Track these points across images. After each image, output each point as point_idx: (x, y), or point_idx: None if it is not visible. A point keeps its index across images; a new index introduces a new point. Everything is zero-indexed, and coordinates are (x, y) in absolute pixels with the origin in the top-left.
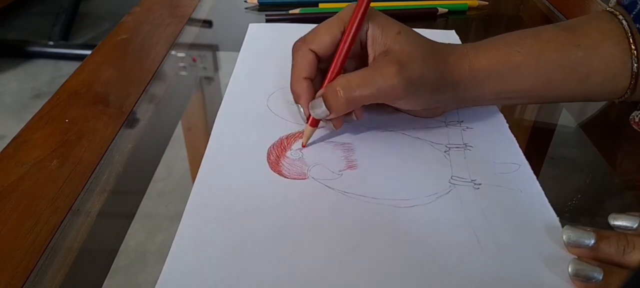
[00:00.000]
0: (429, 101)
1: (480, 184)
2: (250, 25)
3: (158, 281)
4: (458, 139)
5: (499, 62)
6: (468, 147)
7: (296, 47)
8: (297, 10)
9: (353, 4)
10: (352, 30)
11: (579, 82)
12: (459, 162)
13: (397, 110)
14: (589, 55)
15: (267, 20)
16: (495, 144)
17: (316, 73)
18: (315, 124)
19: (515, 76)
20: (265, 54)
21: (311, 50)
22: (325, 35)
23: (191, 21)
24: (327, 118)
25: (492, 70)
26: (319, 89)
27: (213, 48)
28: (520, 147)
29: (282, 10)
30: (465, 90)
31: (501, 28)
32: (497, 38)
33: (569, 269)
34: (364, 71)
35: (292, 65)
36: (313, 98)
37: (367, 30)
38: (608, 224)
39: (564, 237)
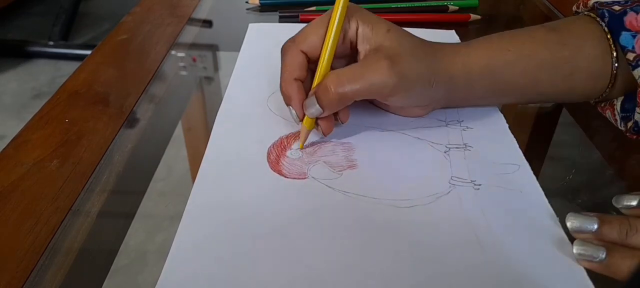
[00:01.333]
0: (420, 97)
1: (480, 184)
2: (250, 25)
3: (158, 281)
4: (458, 139)
5: (491, 59)
6: (468, 148)
7: (285, 48)
8: (313, 8)
9: (341, 3)
10: (335, 23)
11: (563, 80)
12: (459, 162)
13: (386, 110)
14: (574, 54)
15: (280, 19)
16: (495, 144)
17: (307, 74)
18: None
19: (506, 73)
20: (265, 54)
21: (301, 51)
22: (314, 35)
23: (191, 21)
24: (320, 116)
25: (485, 67)
26: (310, 90)
27: (213, 48)
28: (520, 147)
29: (282, 10)
30: (458, 87)
31: (501, 28)
32: (488, 37)
33: (574, 250)
34: (354, 66)
35: (282, 66)
36: (304, 99)
37: (357, 29)
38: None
39: (568, 224)
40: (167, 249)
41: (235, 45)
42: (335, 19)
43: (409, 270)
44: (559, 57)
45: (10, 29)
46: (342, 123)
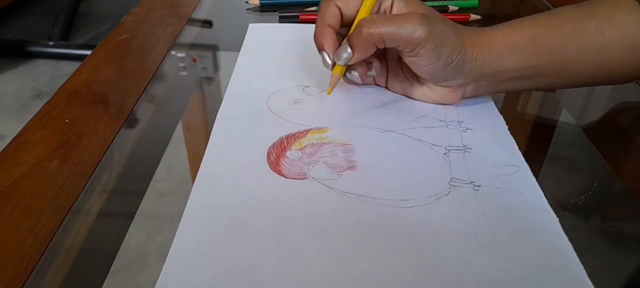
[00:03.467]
0: (449, 62)
1: (479, 185)
2: (250, 25)
3: (157, 282)
4: (457, 140)
5: (514, 36)
6: (467, 149)
7: (323, 3)
8: (313, 8)
9: None
10: None
11: (594, 55)
12: (458, 163)
13: (420, 86)
14: (601, 24)
15: (280, 19)
16: (495, 146)
17: (339, 27)
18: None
19: (531, 49)
20: (265, 54)
21: (337, 5)
22: None
23: (191, 21)
24: (351, 62)
25: (510, 45)
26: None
27: (213, 48)
28: (519, 147)
29: (282, 10)
30: (483, 65)
31: None
32: (510, 22)
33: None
34: (387, 15)
35: (318, 17)
36: (337, 47)
37: (392, 3)
38: (608, 223)
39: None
40: (167, 249)
41: (235, 46)
42: None
43: (408, 270)
44: (586, 28)
45: (10, 29)
46: (361, 81)
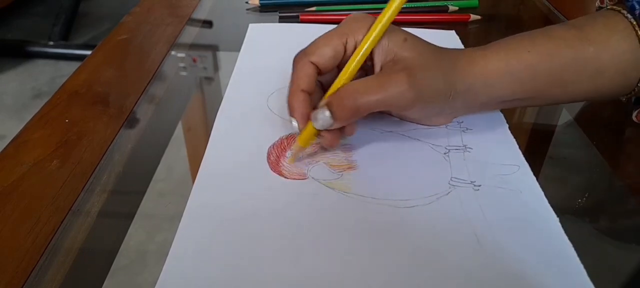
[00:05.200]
0: (439, 109)
1: (480, 185)
2: (250, 25)
3: (158, 280)
4: (457, 140)
5: (510, 62)
6: (467, 149)
7: (296, 59)
8: (313, 8)
9: (355, 15)
10: (371, 38)
11: (590, 79)
12: (459, 163)
13: (403, 119)
14: (599, 50)
15: (280, 19)
16: (495, 145)
17: (315, 87)
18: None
19: (527, 76)
20: (265, 55)
21: (311, 63)
22: (326, 47)
23: (191, 21)
24: (330, 128)
25: (505, 72)
26: (316, 104)
27: (213, 48)
28: (520, 147)
29: (282, 10)
30: (477, 95)
31: (501, 28)
32: (505, 40)
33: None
34: (370, 78)
35: (291, 77)
36: (309, 112)
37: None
38: (608, 223)
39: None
40: (167, 249)
41: (235, 46)
42: (371, 35)
43: (409, 270)
44: (583, 55)
45: (10, 29)
46: (348, 136)
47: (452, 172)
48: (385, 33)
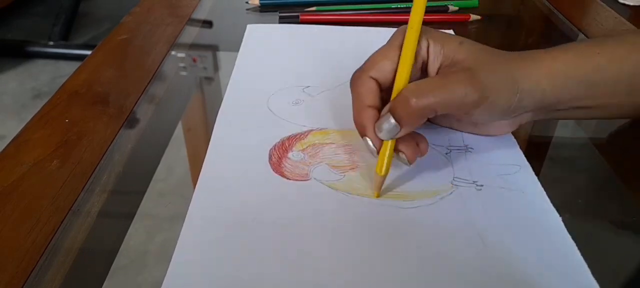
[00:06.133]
0: (506, 109)
1: (482, 185)
2: (248, 26)
3: (163, 284)
4: (459, 140)
5: (579, 64)
6: (469, 149)
7: (354, 78)
8: (313, 8)
9: (403, 27)
10: (413, 35)
11: None
12: (461, 163)
13: (472, 131)
14: None
15: (280, 19)
16: (496, 145)
17: (380, 103)
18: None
19: (596, 79)
20: (264, 55)
21: (371, 78)
22: (384, 60)
23: (191, 21)
24: (396, 136)
25: (573, 73)
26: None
27: (213, 48)
28: (520, 148)
29: (282, 10)
30: (545, 95)
31: (501, 28)
32: (571, 43)
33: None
34: (432, 78)
35: (353, 96)
36: None
37: (428, 47)
38: (608, 223)
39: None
40: (167, 250)
41: (235, 46)
42: (411, 32)
43: (412, 270)
44: None
45: (10, 29)
46: (422, 155)
47: (454, 172)
48: (439, 40)
